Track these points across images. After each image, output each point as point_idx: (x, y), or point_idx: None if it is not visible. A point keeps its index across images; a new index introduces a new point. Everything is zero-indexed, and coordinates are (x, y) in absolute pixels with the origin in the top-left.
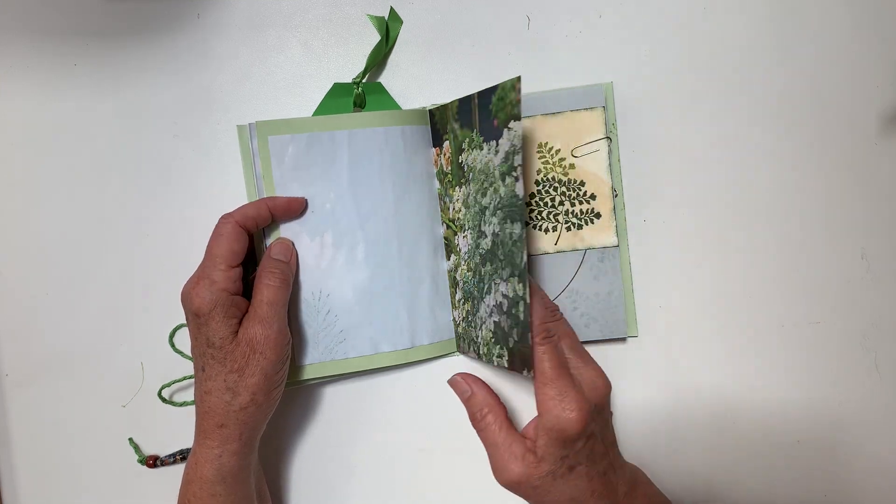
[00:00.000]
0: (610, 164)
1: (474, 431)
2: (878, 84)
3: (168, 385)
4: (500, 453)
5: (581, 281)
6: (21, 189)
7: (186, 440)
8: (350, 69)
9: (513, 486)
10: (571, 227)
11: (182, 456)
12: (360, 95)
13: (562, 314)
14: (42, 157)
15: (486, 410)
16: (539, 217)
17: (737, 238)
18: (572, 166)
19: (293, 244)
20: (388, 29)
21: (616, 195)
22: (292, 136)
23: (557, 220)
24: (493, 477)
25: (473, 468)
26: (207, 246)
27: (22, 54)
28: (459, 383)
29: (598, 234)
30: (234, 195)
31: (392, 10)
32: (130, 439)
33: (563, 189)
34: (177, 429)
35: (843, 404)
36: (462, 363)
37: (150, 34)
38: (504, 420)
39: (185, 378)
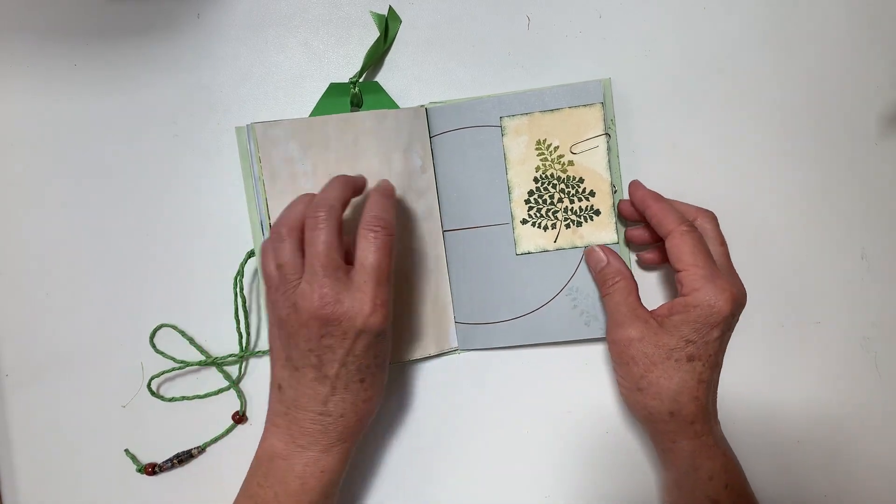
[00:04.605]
0: (609, 161)
1: (478, 425)
2: (878, 84)
3: (185, 366)
4: (623, 311)
5: (581, 279)
6: (21, 189)
7: (187, 438)
8: (350, 69)
9: (624, 343)
10: (571, 224)
11: (179, 459)
12: (356, 95)
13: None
14: (42, 157)
15: (618, 279)
16: (538, 214)
17: (737, 236)
18: (571, 163)
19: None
20: (388, 27)
21: (615, 191)
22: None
23: (556, 218)
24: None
25: (469, 466)
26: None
27: (22, 54)
28: (595, 253)
29: (598, 231)
30: (234, 195)
31: (391, 9)
32: (127, 450)
33: (562, 186)
34: (177, 428)
35: (843, 404)
36: (463, 361)
37: (150, 34)
38: (634, 290)
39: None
